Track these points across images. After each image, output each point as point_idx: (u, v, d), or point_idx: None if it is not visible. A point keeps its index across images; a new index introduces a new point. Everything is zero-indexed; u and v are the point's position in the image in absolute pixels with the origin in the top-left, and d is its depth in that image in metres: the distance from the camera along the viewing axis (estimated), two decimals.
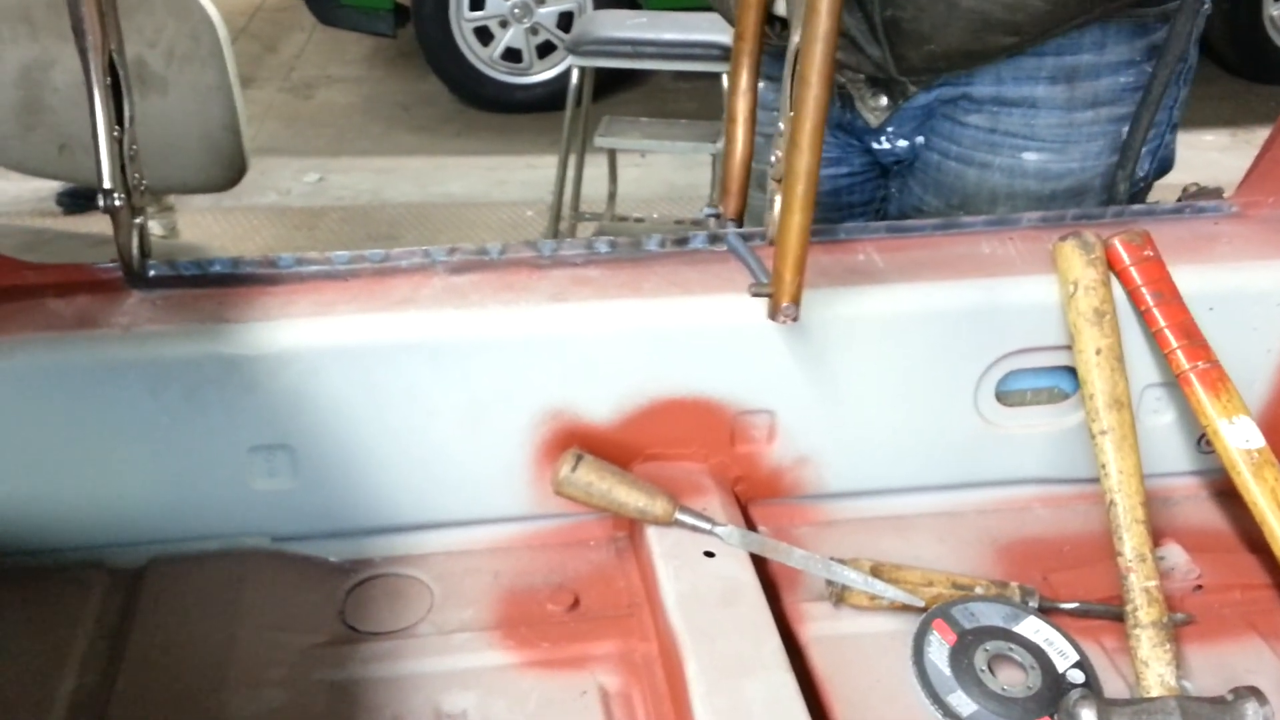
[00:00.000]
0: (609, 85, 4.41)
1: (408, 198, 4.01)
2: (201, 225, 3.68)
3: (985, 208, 1.32)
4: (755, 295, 0.95)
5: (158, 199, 3.08)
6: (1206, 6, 1.20)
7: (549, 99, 4.33)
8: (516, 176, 4.15)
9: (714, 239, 1.10)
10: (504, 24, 4.49)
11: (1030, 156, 1.29)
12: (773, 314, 0.94)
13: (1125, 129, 1.28)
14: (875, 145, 1.39)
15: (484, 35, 4.51)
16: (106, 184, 0.94)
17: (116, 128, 0.93)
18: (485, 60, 4.53)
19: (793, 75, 0.99)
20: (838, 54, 1.27)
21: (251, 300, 0.98)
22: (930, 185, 1.37)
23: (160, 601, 0.96)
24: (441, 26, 4.46)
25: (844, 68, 1.31)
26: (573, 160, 3.37)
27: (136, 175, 0.97)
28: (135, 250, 0.98)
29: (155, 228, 3.13)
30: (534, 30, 4.49)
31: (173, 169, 2.15)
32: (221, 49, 2.04)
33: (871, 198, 1.47)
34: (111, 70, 0.92)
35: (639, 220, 3.55)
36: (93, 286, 0.99)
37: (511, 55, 4.53)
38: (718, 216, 1.14)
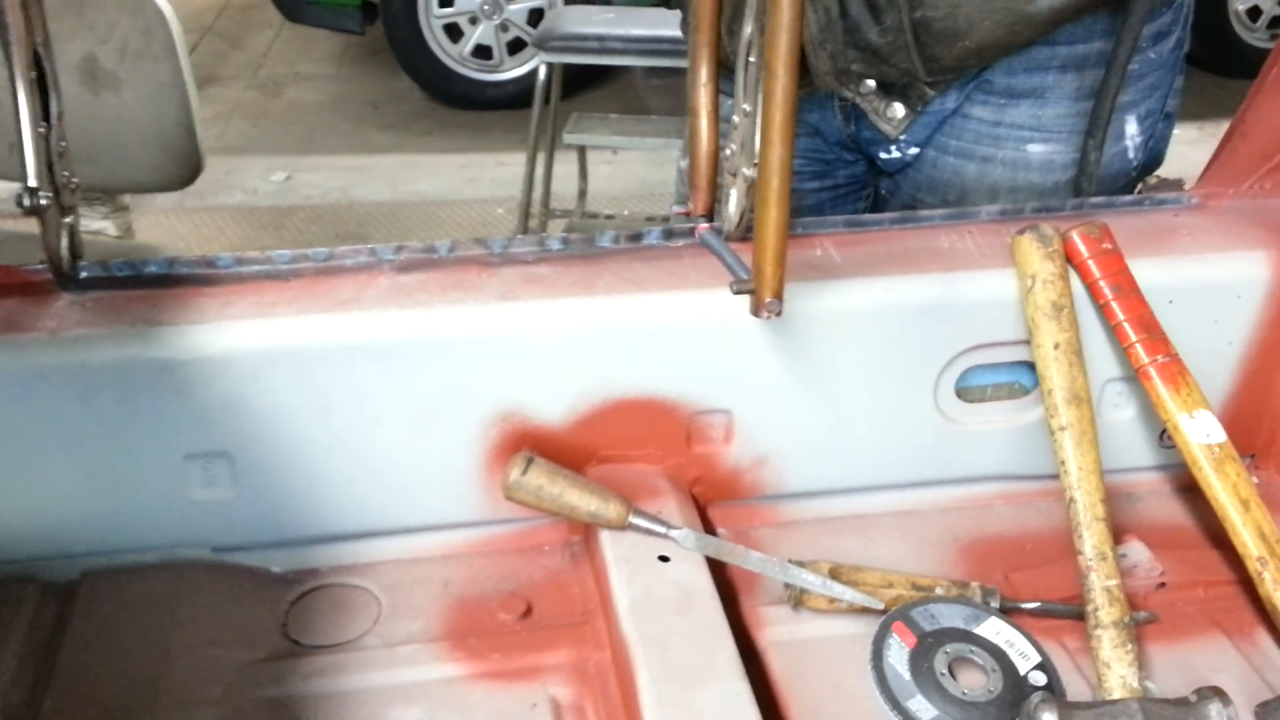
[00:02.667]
0: (580, 82, 4.38)
1: (377, 196, 3.97)
2: (165, 226, 3.62)
3: (984, 203, 1.28)
4: (738, 292, 0.93)
5: (112, 199, 3.03)
6: None
7: (520, 96, 4.29)
8: (487, 174, 4.11)
9: (670, 234, 1.07)
10: (474, 20, 4.44)
11: (1036, 148, 1.27)
12: (755, 310, 0.92)
13: (1127, 116, 1.25)
14: (884, 155, 1.35)
15: (454, 32, 4.47)
16: (32, 182, 0.90)
17: (42, 124, 0.90)
18: (455, 57, 4.49)
19: (745, 65, 0.96)
20: (852, 66, 1.25)
21: (187, 302, 0.95)
22: (924, 183, 1.34)
23: (93, 617, 0.92)
24: (410, 23, 4.41)
25: (853, 80, 1.27)
26: (542, 158, 3.33)
27: (65, 173, 0.93)
28: (65, 251, 0.95)
29: (109, 228, 3.07)
30: (504, 27, 4.45)
31: (126, 168, 2.10)
32: (175, 45, 2.00)
33: (854, 210, 1.45)
34: (37, 64, 0.89)
35: (609, 217, 3.52)
36: (20, 289, 0.96)
37: (482, 52, 4.49)
38: (687, 214, 1.11)
